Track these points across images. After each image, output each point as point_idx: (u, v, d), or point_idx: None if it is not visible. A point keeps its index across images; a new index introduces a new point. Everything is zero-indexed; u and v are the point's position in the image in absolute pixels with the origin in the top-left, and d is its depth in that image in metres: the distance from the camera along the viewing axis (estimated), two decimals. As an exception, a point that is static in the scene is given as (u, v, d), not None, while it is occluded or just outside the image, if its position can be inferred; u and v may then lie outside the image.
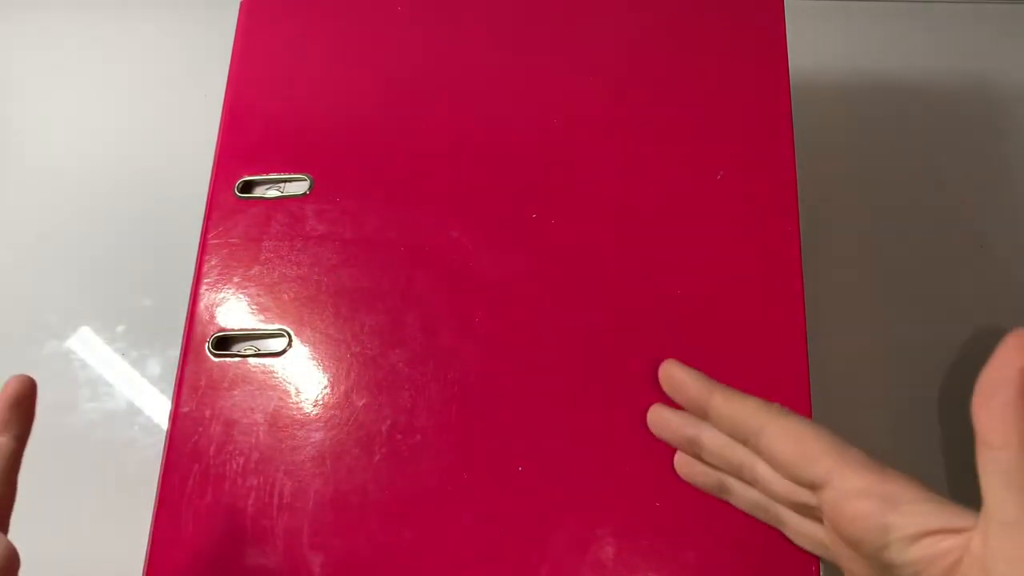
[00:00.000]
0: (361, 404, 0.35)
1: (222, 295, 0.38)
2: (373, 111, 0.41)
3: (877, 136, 0.53)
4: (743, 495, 0.31)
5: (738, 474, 0.30)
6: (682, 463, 0.33)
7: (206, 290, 0.38)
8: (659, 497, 0.33)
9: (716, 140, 0.39)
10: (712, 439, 0.30)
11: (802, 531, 0.30)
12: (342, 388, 0.36)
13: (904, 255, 0.50)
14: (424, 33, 0.42)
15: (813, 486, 0.27)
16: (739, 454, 0.30)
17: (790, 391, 0.35)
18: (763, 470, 0.29)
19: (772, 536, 0.33)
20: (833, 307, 0.47)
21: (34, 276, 0.52)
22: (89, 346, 0.50)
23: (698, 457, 0.32)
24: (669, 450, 0.34)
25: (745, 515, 0.33)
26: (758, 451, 0.29)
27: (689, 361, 0.35)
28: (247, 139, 0.40)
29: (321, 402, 0.36)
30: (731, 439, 0.30)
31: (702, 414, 0.30)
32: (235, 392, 0.36)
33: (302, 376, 0.36)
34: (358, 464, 0.35)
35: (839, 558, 0.28)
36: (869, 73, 0.55)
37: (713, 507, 0.33)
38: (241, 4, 0.43)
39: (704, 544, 0.33)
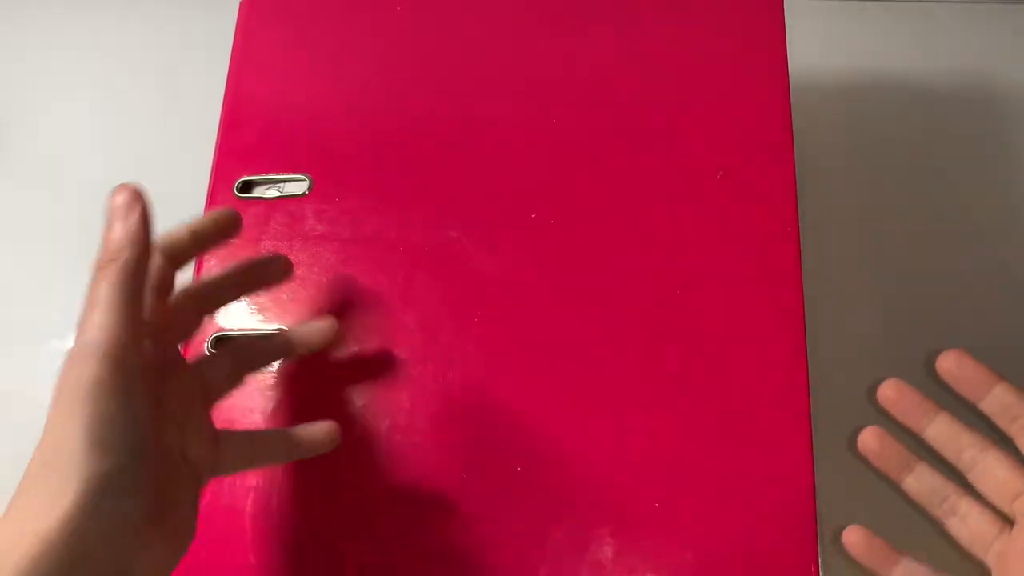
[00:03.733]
0: (360, 404, 0.35)
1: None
2: (372, 111, 0.41)
3: (877, 136, 0.53)
4: (926, 479, 0.33)
5: (956, 459, 0.32)
6: (875, 434, 0.34)
7: (206, 290, 0.38)
8: (659, 497, 0.33)
9: (716, 140, 0.39)
10: (949, 423, 0.32)
11: (974, 525, 0.32)
12: (341, 388, 0.36)
13: (904, 255, 0.50)
14: (423, 33, 0.42)
15: None
16: (967, 441, 0.32)
17: (790, 391, 0.35)
18: (996, 456, 0.31)
19: (772, 536, 0.33)
20: (833, 307, 0.47)
21: (34, 276, 0.52)
22: (89, 346, 0.49)
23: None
24: (669, 450, 0.34)
25: (745, 516, 0.33)
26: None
27: (689, 361, 0.35)
28: (246, 139, 0.40)
29: (320, 403, 0.36)
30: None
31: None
32: (234, 393, 0.36)
33: (301, 376, 0.36)
34: (357, 464, 0.35)
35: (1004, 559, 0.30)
36: (869, 73, 0.55)
37: (713, 507, 0.33)
38: (241, 4, 0.43)
39: (704, 544, 0.33)
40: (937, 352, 0.33)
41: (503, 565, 0.33)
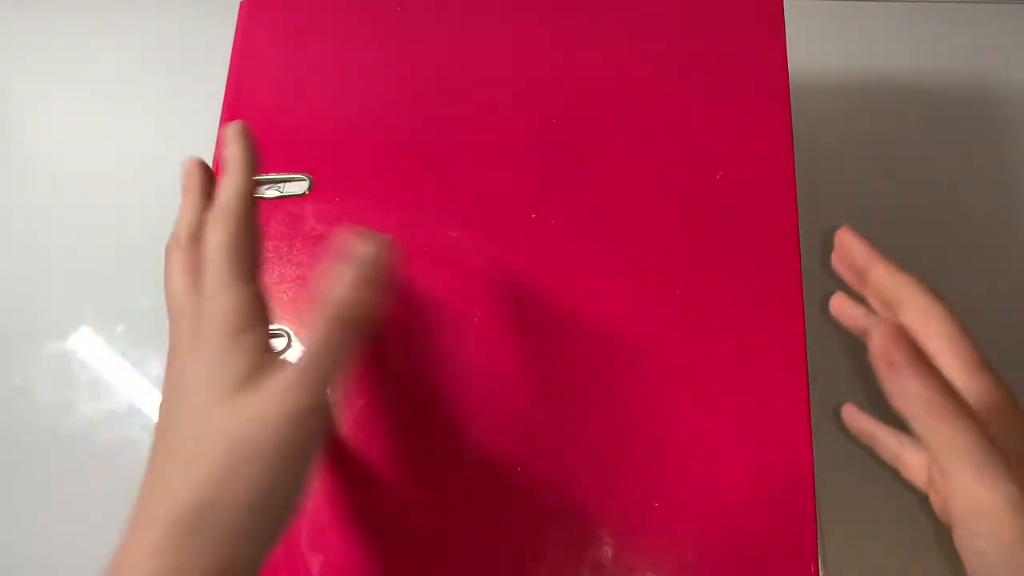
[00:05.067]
0: (360, 404, 0.35)
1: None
2: (373, 111, 0.41)
3: (877, 136, 0.53)
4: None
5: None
6: (840, 302, 0.35)
7: (206, 290, 0.38)
8: (659, 497, 0.33)
9: (716, 140, 0.39)
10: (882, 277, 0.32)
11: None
12: (341, 388, 0.36)
13: (904, 255, 0.50)
14: (423, 32, 0.42)
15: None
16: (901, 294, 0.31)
17: (790, 390, 0.35)
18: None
19: (771, 535, 0.33)
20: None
21: (34, 276, 0.52)
22: (89, 346, 0.50)
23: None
24: (669, 450, 0.34)
25: (745, 516, 0.33)
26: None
27: (688, 360, 0.35)
28: (247, 139, 0.40)
29: (321, 402, 0.36)
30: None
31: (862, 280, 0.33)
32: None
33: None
34: (357, 464, 0.35)
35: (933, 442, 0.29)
36: (869, 73, 0.55)
37: (712, 506, 0.33)
38: (241, 4, 0.43)
39: (704, 544, 0.33)
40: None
41: (503, 565, 0.33)
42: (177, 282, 0.29)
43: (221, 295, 0.28)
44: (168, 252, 0.31)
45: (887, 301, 0.32)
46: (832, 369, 0.45)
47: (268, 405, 0.26)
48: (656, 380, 0.35)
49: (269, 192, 0.39)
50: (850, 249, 0.33)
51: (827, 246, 0.34)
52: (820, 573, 0.32)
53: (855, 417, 0.36)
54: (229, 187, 0.31)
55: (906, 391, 0.26)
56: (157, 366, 0.49)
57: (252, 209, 0.31)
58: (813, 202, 0.48)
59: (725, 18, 0.41)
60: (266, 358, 0.27)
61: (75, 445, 0.47)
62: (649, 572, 0.33)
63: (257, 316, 0.28)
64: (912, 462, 0.32)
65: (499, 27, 0.42)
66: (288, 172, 0.40)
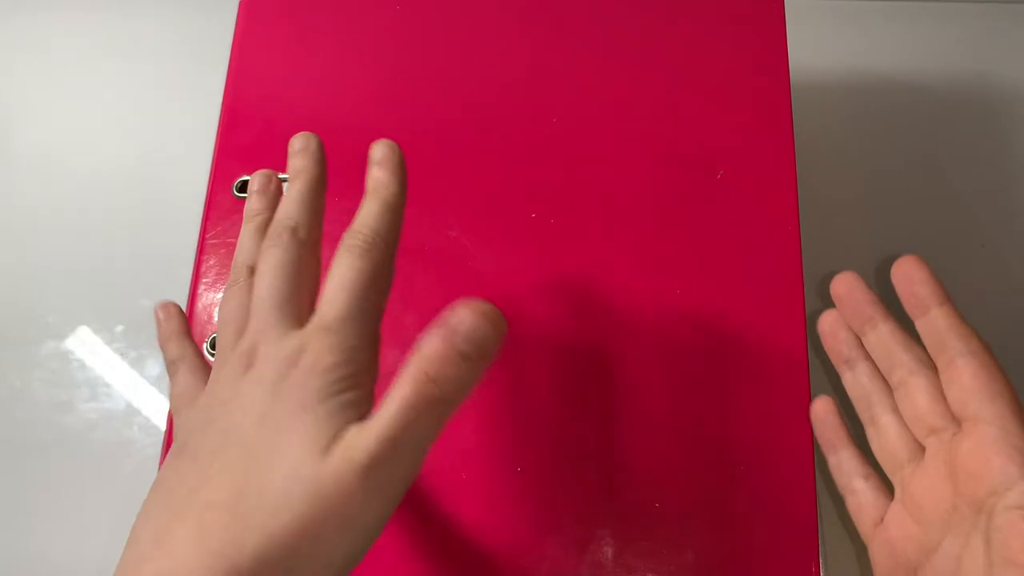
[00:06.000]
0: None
1: (221, 295, 0.37)
2: (372, 111, 0.41)
3: (877, 136, 0.53)
4: (863, 379, 0.33)
5: (888, 374, 0.32)
6: (830, 320, 0.34)
7: (204, 290, 0.38)
8: (659, 497, 0.33)
9: (716, 139, 0.39)
10: (891, 334, 0.32)
11: (889, 443, 0.31)
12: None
13: (903, 254, 0.50)
14: (422, 32, 0.42)
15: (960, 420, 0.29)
16: (901, 359, 0.31)
17: (790, 390, 0.35)
18: (920, 385, 0.30)
19: (772, 536, 0.33)
20: (833, 307, 0.47)
21: (33, 276, 0.52)
22: (87, 346, 0.50)
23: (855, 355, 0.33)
24: (668, 450, 0.34)
25: (745, 516, 0.33)
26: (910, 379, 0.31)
27: (688, 360, 0.35)
28: (246, 139, 0.40)
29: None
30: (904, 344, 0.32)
31: (867, 325, 0.33)
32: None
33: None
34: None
35: (905, 489, 0.30)
36: (869, 73, 0.55)
37: (713, 507, 0.33)
38: (241, 4, 0.43)
39: (704, 544, 0.33)
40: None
41: (503, 565, 0.33)
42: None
43: (332, 335, 0.25)
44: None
45: (937, 344, 0.30)
46: (834, 368, 0.45)
47: (351, 465, 0.23)
48: (656, 380, 0.35)
49: (269, 192, 0.39)
50: (914, 280, 0.31)
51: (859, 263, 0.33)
52: (820, 573, 0.32)
53: (826, 415, 0.34)
54: (374, 211, 0.28)
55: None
56: (156, 366, 0.49)
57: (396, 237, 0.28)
58: (814, 202, 0.48)
59: (725, 18, 0.41)
60: (363, 412, 0.25)
61: (74, 445, 0.47)
62: (649, 572, 0.33)
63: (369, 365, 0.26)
64: (867, 499, 0.32)
65: (499, 27, 0.42)
66: (287, 172, 0.39)
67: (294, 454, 0.23)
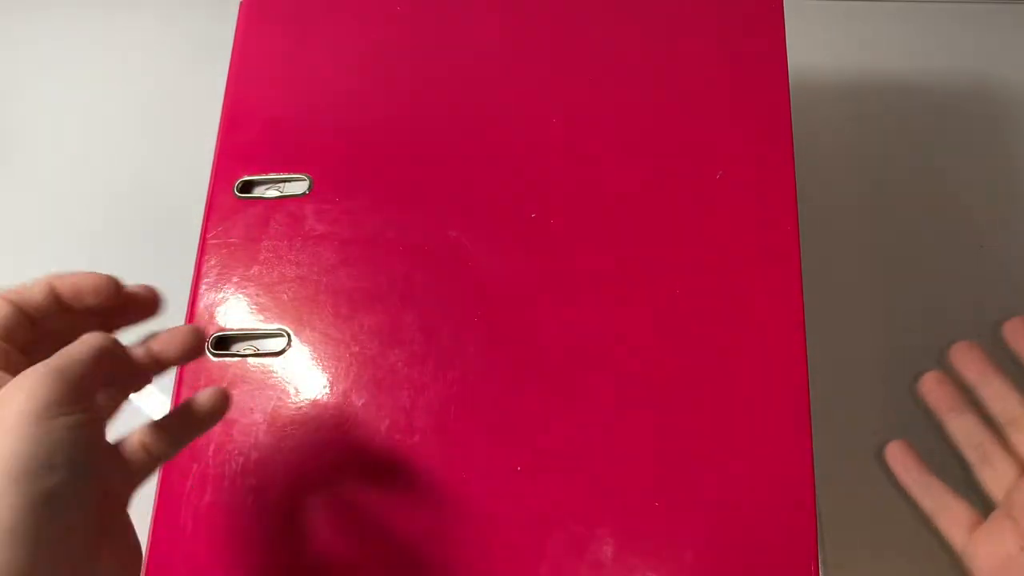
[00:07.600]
0: (360, 404, 0.35)
1: (221, 295, 0.38)
2: (372, 111, 0.41)
3: (877, 136, 0.53)
4: (969, 426, 0.35)
5: (1011, 421, 0.34)
6: (933, 382, 0.36)
7: (205, 290, 0.38)
8: (659, 497, 0.33)
9: (716, 140, 0.39)
10: (1001, 387, 0.34)
11: (998, 469, 0.33)
12: (341, 388, 0.36)
13: (904, 255, 0.50)
14: (423, 33, 0.42)
15: None
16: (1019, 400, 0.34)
17: (789, 390, 0.35)
18: None
19: (771, 536, 0.33)
20: (832, 307, 0.47)
21: (34, 276, 0.52)
22: (89, 346, 0.49)
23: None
24: (668, 450, 0.34)
25: (745, 516, 0.33)
26: None
27: (688, 360, 0.35)
28: (247, 139, 0.40)
29: (320, 402, 0.36)
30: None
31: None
32: (234, 392, 0.36)
33: (301, 376, 0.36)
34: (357, 464, 0.35)
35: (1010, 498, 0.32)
36: (869, 73, 0.55)
37: (713, 507, 0.33)
38: (241, 4, 0.43)
39: (704, 544, 0.33)
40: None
41: (503, 565, 0.33)
42: None
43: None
44: None
45: None
46: (833, 369, 0.45)
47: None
48: (656, 380, 0.35)
49: (269, 192, 0.39)
50: None
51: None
52: (820, 573, 0.32)
53: (903, 459, 0.36)
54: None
55: None
56: (157, 366, 0.49)
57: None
58: (813, 202, 0.48)
59: (725, 18, 0.41)
60: None
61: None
62: (649, 572, 0.33)
63: None
64: (956, 514, 0.34)
65: (499, 27, 0.42)
66: (288, 172, 0.40)
67: None
